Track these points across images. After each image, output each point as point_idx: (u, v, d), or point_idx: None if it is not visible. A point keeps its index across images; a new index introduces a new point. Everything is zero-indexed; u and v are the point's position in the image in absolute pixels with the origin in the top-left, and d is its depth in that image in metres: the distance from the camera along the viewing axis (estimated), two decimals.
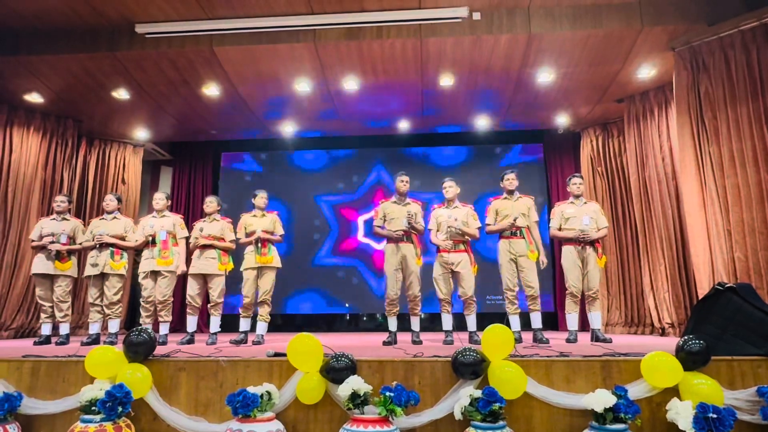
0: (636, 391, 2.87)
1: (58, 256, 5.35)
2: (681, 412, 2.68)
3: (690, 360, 2.86)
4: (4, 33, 5.77)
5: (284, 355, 3.14)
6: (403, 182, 5.07)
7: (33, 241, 5.43)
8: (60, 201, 5.57)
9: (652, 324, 6.37)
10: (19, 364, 3.33)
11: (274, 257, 5.24)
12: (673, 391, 2.86)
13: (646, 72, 6.14)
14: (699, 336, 2.97)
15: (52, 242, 5.33)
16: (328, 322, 8.42)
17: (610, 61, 5.94)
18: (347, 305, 8.27)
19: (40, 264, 5.33)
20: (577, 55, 5.85)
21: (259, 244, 5.17)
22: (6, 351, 3.93)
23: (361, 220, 8.50)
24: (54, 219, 5.52)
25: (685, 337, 2.98)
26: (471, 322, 4.88)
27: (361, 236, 8.46)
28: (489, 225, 5.13)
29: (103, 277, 5.30)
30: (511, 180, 5.10)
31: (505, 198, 5.12)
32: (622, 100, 6.89)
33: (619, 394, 2.75)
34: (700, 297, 4.62)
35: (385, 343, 4.69)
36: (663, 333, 6.12)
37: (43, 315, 5.37)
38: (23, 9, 5.39)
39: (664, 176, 6.28)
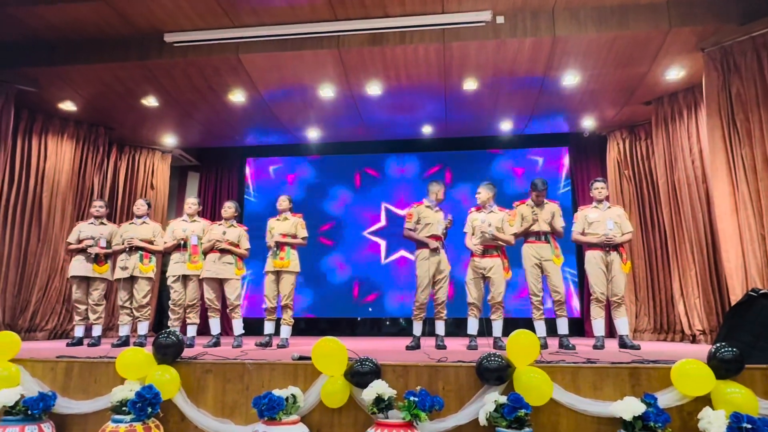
0: (666, 399, 2.80)
1: (96, 260, 5.50)
2: (713, 422, 2.61)
3: (723, 368, 2.79)
4: (41, 45, 5.98)
5: (309, 358, 3.17)
6: (438, 190, 5.06)
7: (70, 244, 5.60)
8: (98, 206, 5.74)
9: (682, 331, 6.22)
10: (53, 365, 3.43)
11: (291, 261, 5.25)
12: (705, 400, 2.79)
13: (674, 73, 6.02)
14: (732, 343, 2.90)
15: (92, 246, 5.49)
16: (352, 326, 8.44)
17: (637, 63, 5.84)
18: (369, 309, 8.29)
19: (79, 266, 5.49)
20: (603, 58, 5.77)
21: (277, 248, 5.22)
22: (41, 352, 4.05)
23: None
24: (92, 223, 5.69)
25: (718, 345, 2.91)
26: (497, 327, 4.85)
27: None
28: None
29: (132, 280, 5.42)
30: (536, 194, 5.03)
31: (529, 203, 5.07)
32: (649, 103, 6.76)
33: (649, 402, 2.69)
34: (733, 303, 4.50)
35: (408, 348, 4.68)
36: (694, 340, 5.97)
37: (77, 317, 5.52)
38: (58, 21, 5.58)
39: (694, 179, 6.14)
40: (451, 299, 5.10)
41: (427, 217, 5.01)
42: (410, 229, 5.04)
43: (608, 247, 4.83)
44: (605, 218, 4.93)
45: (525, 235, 5.01)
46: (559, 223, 4.97)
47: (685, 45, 5.50)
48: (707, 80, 5.44)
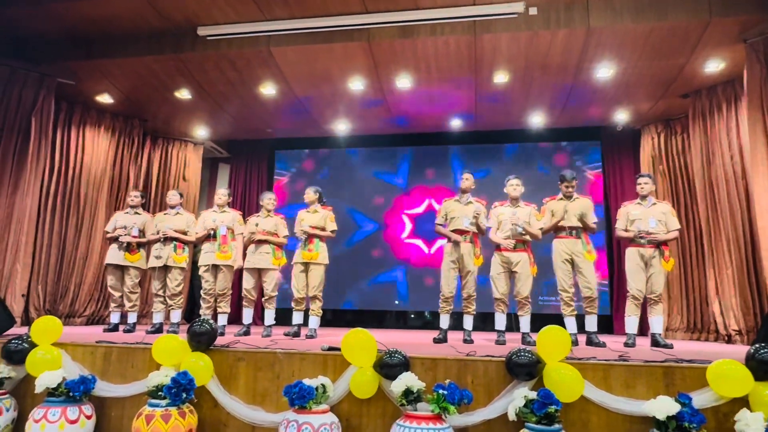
0: (701, 399, 2.75)
1: (128, 248, 5.65)
2: (751, 424, 2.56)
3: (762, 369, 2.73)
4: (79, 39, 6.15)
5: (338, 349, 3.21)
6: (466, 179, 5.04)
7: (107, 232, 5.80)
8: (134, 195, 5.91)
9: (717, 330, 6.06)
10: (93, 349, 3.56)
11: (320, 253, 5.28)
12: (742, 402, 2.73)
13: (714, 66, 5.82)
14: None
15: (123, 235, 5.64)
16: (378, 318, 8.49)
17: (675, 54, 5.68)
18: (396, 302, 8.32)
19: (113, 255, 5.65)
20: (639, 49, 5.62)
21: (305, 240, 5.27)
22: (80, 337, 4.20)
23: (407, 219, 8.53)
24: (127, 213, 5.86)
25: (757, 345, 2.84)
26: (524, 323, 4.81)
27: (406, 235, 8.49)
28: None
29: (165, 269, 5.56)
30: (565, 185, 4.96)
31: (561, 199, 5.00)
32: (687, 96, 6.56)
33: (683, 402, 2.65)
34: None
35: (435, 341, 4.69)
36: (729, 340, 5.81)
37: (112, 304, 5.70)
38: (96, 16, 5.72)
39: (733, 175, 5.95)
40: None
41: (454, 211, 5.01)
42: (439, 224, 5.08)
43: (642, 243, 4.72)
44: (648, 215, 4.81)
45: (555, 231, 4.94)
46: (591, 219, 4.88)
47: (727, 36, 5.31)
48: (749, 72, 5.25)
